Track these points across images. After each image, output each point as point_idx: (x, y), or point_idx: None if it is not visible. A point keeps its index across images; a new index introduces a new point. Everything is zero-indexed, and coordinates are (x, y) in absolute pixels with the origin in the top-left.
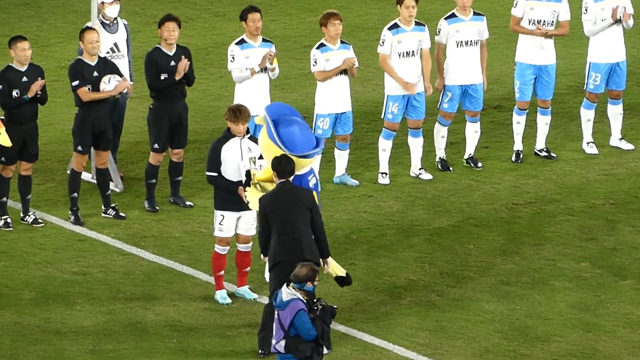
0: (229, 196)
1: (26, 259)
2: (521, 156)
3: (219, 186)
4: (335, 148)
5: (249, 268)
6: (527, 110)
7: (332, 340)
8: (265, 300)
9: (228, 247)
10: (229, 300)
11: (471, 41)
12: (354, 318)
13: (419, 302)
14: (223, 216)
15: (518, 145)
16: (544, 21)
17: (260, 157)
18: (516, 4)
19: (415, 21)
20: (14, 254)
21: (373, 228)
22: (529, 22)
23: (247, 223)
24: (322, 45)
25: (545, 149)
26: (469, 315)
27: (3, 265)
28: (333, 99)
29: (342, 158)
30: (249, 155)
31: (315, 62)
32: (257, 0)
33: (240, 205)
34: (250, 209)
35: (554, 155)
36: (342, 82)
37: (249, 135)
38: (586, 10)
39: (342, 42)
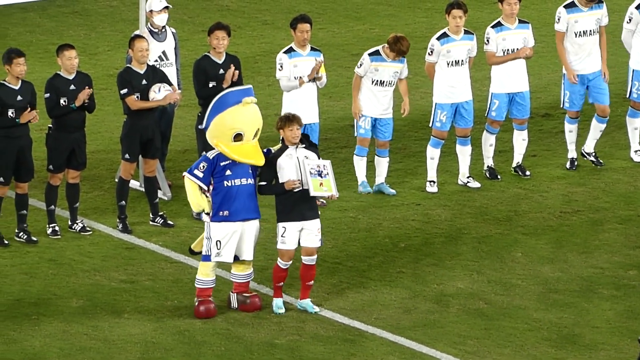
0: (290, 207)
1: (74, 267)
2: (576, 163)
3: (265, 194)
4: (375, 155)
5: (312, 282)
6: (579, 118)
7: (379, 349)
8: (327, 313)
9: (290, 263)
10: (282, 310)
11: (517, 49)
12: (401, 326)
13: (466, 310)
14: (285, 228)
15: (572, 154)
16: (589, 31)
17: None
18: (559, 19)
19: (465, 30)
20: (62, 262)
21: (421, 236)
22: (575, 35)
23: (310, 234)
24: (376, 52)
25: (594, 154)
26: (517, 323)
27: (51, 273)
28: (372, 104)
29: (381, 165)
30: (307, 163)
31: (360, 65)
32: (306, 9)
33: (302, 215)
34: (314, 218)
35: (602, 162)
36: (386, 91)
37: (303, 145)
38: (630, 20)
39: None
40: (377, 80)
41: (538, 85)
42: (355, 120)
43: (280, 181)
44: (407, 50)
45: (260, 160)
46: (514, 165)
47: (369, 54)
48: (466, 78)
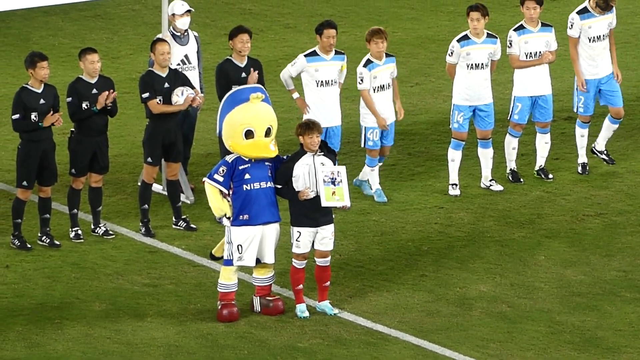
0: (304, 213)
1: (97, 271)
2: (587, 167)
3: (280, 197)
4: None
5: (328, 282)
6: (590, 122)
7: (402, 352)
8: (350, 316)
9: (305, 261)
10: (307, 314)
11: (539, 52)
12: (424, 329)
13: (489, 313)
14: (300, 232)
15: (583, 158)
16: (602, 36)
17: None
18: (572, 25)
19: (488, 33)
20: (85, 266)
21: (443, 239)
22: (589, 40)
23: (324, 239)
24: (368, 62)
25: (605, 152)
26: (539, 326)
27: (74, 277)
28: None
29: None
30: (321, 170)
31: (362, 80)
32: (328, 12)
33: (317, 221)
34: (329, 224)
35: (614, 160)
36: (386, 95)
37: (322, 152)
38: None
39: (386, 54)
40: (378, 87)
41: (560, 89)
42: (362, 133)
43: (295, 188)
44: (385, 35)
45: (271, 153)
46: (536, 168)
47: (364, 65)
48: (486, 81)
